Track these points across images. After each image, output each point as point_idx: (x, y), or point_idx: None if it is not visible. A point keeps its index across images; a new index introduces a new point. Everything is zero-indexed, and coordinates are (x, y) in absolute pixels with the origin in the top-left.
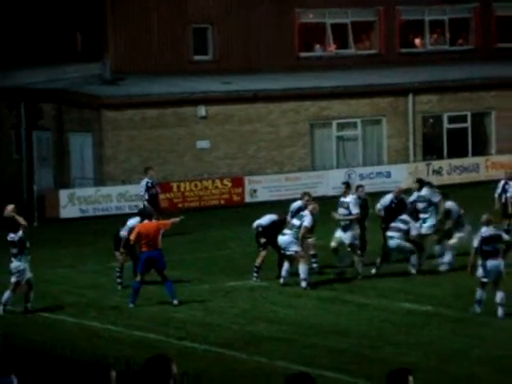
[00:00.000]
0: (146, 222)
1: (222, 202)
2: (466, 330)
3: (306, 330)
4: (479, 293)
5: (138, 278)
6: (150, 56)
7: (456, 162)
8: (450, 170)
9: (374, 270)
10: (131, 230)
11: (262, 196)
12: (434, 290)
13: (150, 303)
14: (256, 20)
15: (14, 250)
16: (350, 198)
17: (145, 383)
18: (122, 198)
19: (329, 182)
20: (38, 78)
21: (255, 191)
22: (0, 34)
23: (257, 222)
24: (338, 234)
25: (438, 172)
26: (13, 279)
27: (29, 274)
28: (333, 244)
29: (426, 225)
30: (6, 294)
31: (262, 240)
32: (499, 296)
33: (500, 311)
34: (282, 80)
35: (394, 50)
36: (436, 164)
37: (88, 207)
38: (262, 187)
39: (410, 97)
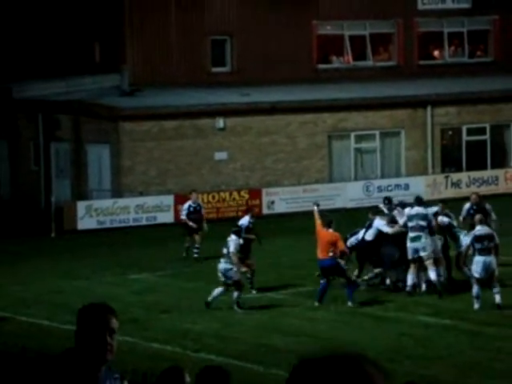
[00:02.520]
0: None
1: (240, 213)
2: (485, 343)
3: (324, 342)
4: (475, 289)
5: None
6: (167, 67)
7: (475, 174)
8: (468, 182)
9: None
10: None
11: (280, 208)
12: (453, 303)
13: (168, 315)
14: (274, 32)
15: None
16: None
17: None
18: (140, 209)
19: (347, 194)
20: (55, 90)
21: (273, 203)
22: (18, 45)
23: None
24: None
25: (456, 184)
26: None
27: None
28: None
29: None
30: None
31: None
32: (495, 290)
33: (497, 298)
34: (300, 92)
35: (413, 61)
36: (455, 176)
37: (105, 219)
38: (280, 199)
39: (429, 109)
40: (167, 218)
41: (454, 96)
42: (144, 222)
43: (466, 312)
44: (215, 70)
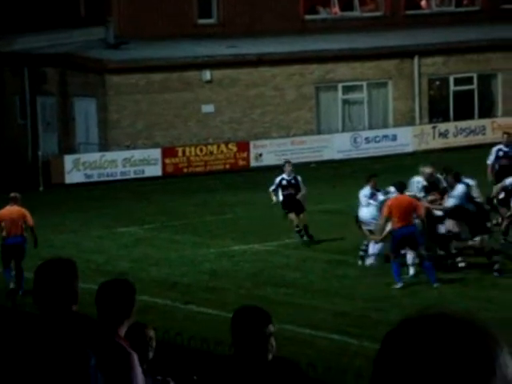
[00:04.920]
0: (398, 195)
1: (228, 166)
2: (474, 292)
3: (313, 293)
4: None
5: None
6: (153, 20)
7: (462, 124)
8: (456, 132)
9: None
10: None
11: (268, 160)
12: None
13: (156, 267)
14: None
15: None
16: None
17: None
18: (128, 163)
19: (334, 145)
20: (41, 43)
21: (260, 155)
22: (3, 0)
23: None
24: None
25: (444, 135)
26: None
27: None
28: None
29: None
30: None
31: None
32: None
33: None
34: (287, 43)
35: (399, 11)
36: (442, 126)
37: (93, 172)
38: (268, 151)
39: (416, 59)
40: (155, 171)
41: (441, 46)
42: (132, 176)
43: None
44: (201, 21)
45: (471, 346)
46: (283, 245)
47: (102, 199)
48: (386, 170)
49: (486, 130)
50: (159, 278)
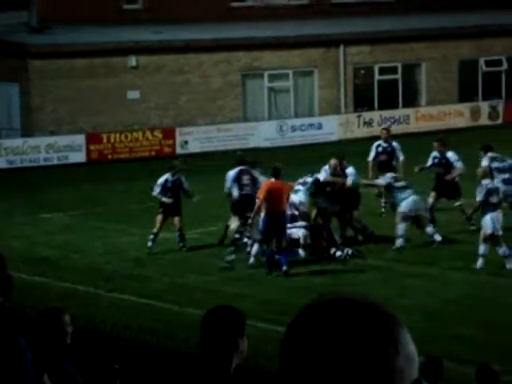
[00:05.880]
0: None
1: (153, 153)
2: (394, 280)
3: (236, 281)
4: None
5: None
6: (78, 4)
7: (387, 113)
8: (380, 121)
9: None
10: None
11: (194, 147)
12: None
13: (80, 255)
14: None
15: None
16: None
17: (38, 334)
18: (51, 149)
19: (260, 133)
20: None
21: (186, 142)
22: None
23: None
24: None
25: (368, 123)
26: None
27: None
28: None
29: None
30: None
31: None
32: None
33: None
34: (214, 30)
35: (326, 0)
36: (367, 115)
37: (15, 158)
38: (194, 138)
39: (342, 48)
40: (79, 157)
41: (367, 35)
42: (55, 162)
43: (377, 248)
44: (127, 7)
45: (374, 326)
46: (207, 232)
47: (24, 186)
48: (312, 159)
49: (410, 119)
50: (82, 265)
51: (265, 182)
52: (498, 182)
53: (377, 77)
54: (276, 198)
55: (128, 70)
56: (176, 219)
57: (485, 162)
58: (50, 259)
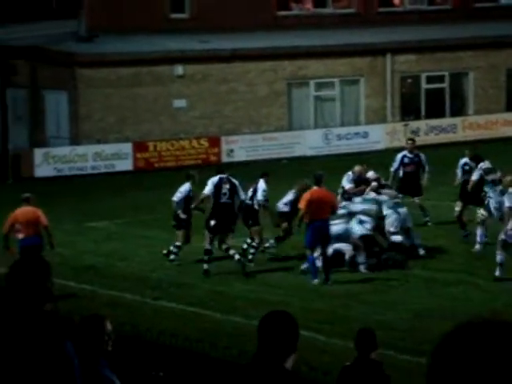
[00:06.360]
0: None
1: (199, 161)
2: (440, 290)
3: (279, 289)
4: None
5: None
6: (126, 13)
7: (433, 122)
8: (427, 130)
9: None
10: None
11: (239, 156)
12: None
13: (126, 263)
14: None
15: None
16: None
17: (80, 340)
18: (98, 157)
19: (306, 142)
20: (12, 35)
21: (232, 151)
22: None
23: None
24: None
25: (415, 132)
26: None
27: None
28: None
29: None
30: None
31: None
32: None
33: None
34: (260, 39)
35: (372, 9)
36: (413, 124)
37: (63, 166)
38: (239, 147)
39: (388, 56)
40: (125, 165)
41: (414, 44)
42: (102, 170)
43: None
44: (174, 16)
45: None
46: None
47: (71, 193)
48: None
49: (457, 128)
50: (128, 273)
51: (309, 191)
52: None
53: (424, 85)
54: (318, 206)
55: (174, 79)
56: (180, 233)
57: None
58: (96, 267)
